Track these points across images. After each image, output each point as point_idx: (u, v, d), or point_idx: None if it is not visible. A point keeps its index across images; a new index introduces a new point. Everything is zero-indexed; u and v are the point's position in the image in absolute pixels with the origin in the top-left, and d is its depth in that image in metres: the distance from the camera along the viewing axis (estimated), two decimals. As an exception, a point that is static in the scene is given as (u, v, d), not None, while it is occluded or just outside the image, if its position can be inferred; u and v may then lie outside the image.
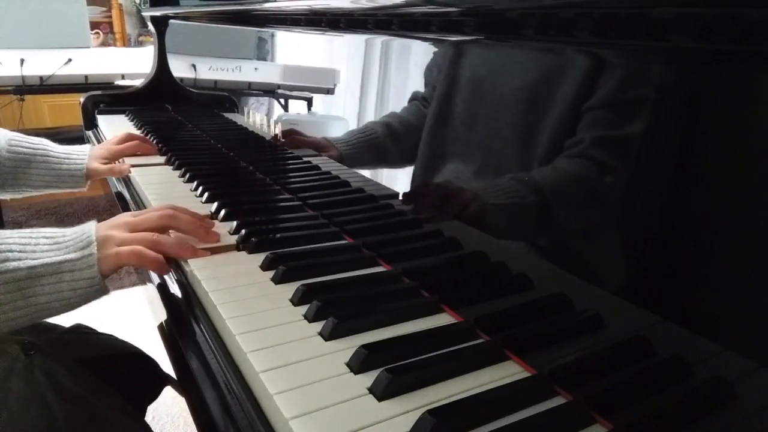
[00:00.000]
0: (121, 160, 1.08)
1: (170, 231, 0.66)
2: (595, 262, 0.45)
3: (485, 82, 0.56)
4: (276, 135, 1.01)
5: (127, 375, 0.80)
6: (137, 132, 1.33)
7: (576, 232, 0.47)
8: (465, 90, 0.58)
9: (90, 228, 0.60)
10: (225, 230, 0.70)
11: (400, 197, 0.67)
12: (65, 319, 0.80)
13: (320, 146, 0.87)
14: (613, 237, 0.43)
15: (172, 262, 0.63)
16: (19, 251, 0.54)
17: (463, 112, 0.58)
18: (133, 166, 1.03)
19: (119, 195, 0.99)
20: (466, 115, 0.58)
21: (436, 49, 0.62)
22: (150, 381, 0.84)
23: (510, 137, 0.53)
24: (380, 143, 0.73)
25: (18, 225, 2.61)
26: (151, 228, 0.63)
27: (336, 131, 0.84)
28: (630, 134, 0.42)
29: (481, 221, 0.55)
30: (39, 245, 0.56)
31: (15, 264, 0.53)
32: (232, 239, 0.68)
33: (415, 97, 0.66)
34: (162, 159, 1.11)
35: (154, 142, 1.21)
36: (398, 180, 0.69)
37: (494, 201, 0.54)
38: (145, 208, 0.86)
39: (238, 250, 0.66)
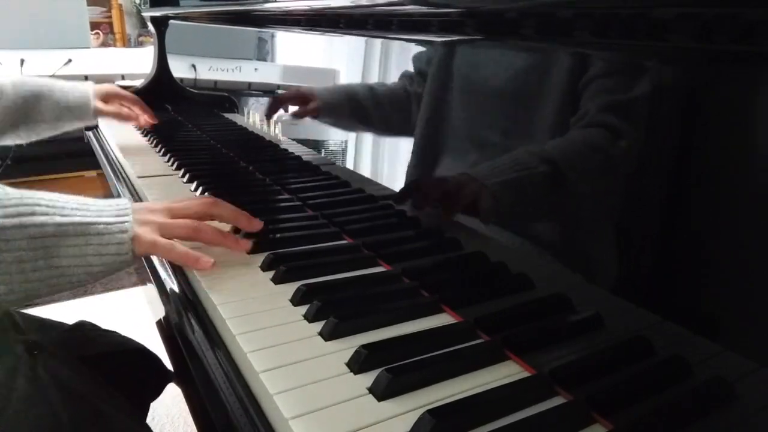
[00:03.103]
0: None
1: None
2: (595, 262, 0.45)
3: (481, 71, 0.56)
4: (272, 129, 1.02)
5: (130, 372, 0.80)
6: (138, 133, 1.33)
7: (576, 232, 0.47)
8: (460, 80, 0.58)
9: (124, 201, 0.57)
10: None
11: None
12: (68, 317, 0.81)
13: (304, 96, 0.88)
14: (613, 236, 0.43)
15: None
16: (47, 206, 0.51)
17: (459, 104, 0.58)
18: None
19: (119, 187, 1.00)
20: (463, 106, 0.58)
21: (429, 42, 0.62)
22: (153, 377, 0.85)
23: (512, 126, 0.53)
24: (360, 103, 0.74)
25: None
26: (191, 215, 0.61)
27: (337, 132, 0.84)
28: (624, 136, 0.42)
29: (491, 206, 0.54)
30: (68, 203, 0.53)
31: (42, 219, 0.49)
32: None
33: (405, 76, 0.67)
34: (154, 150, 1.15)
35: (154, 142, 1.22)
36: (398, 180, 0.69)
37: (501, 178, 0.52)
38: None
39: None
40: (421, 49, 0.64)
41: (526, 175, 0.50)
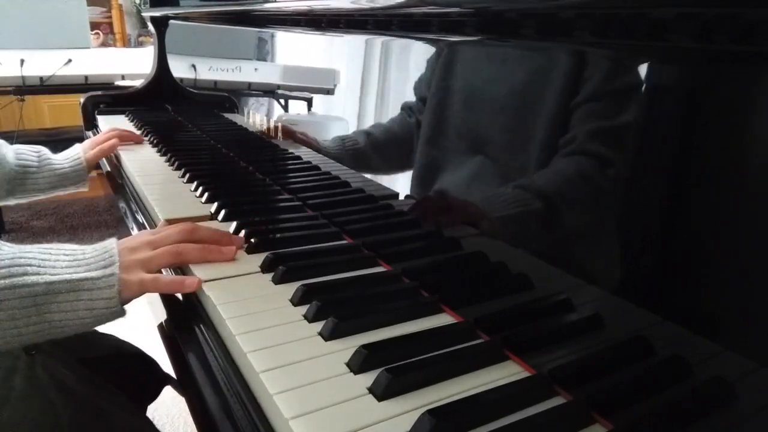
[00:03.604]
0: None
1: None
2: (595, 262, 0.45)
3: (477, 87, 0.56)
4: (272, 129, 1.03)
5: (127, 375, 0.80)
6: (137, 132, 1.33)
7: (576, 232, 0.47)
8: (458, 96, 0.58)
9: (111, 246, 0.58)
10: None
11: (401, 199, 0.67)
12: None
13: (310, 147, 0.90)
14: (613, 236, 0.43)
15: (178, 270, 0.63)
16: (38, 266, 0.52)
17: (457, 118, 0.58)
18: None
19: (119, 187, 1.01)
20: (461, 121, 0.58)
21: (428, 59, 0.62)
22: (150, 381, 0.85)
23: (506, 140, 0.53)
24: (361, 152, 0.75)
25: (18, 226, 2.61)
26: (172, 243, 0.61)
27: (336, 132, 0.84)
28: (625, 135, 0.42)
29: (487, 233, 0.55)
30: (59, 261, 0.54)
31: (33, 278, 0.51)
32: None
33: (404, 107, 0.67)
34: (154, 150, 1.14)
35: (155, 141, 1.22)
36: (398, 180, 0.69)
37: (499, 213, 0.53)
38: (144, 207, 0.86)
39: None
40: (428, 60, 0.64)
41: (525, 210, 0.51)
